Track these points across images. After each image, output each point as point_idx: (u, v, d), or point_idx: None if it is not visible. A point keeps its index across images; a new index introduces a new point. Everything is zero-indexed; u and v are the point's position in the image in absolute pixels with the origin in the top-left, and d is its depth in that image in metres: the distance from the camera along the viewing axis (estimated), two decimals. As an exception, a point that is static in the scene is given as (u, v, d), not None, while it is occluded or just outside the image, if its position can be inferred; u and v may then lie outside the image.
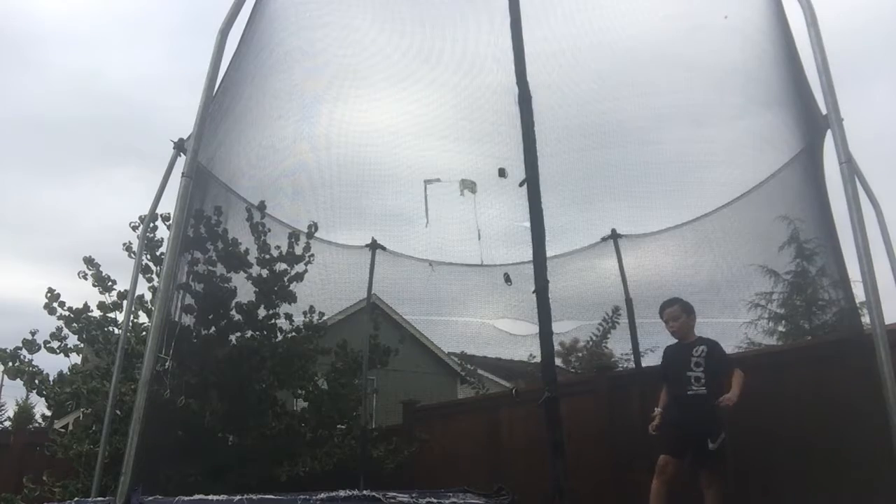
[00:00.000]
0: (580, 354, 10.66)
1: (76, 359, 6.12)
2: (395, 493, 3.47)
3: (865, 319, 3.89)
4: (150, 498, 3.18)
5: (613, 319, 6.95)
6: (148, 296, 5.92)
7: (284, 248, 6.08)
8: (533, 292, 3.63)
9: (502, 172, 4.59)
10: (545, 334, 3.55)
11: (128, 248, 5.88)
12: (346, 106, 5.25)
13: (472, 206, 5.24)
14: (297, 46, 4.68)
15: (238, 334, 5.75)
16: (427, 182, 5.28)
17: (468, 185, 5.14)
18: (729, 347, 5.93)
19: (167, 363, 3.95)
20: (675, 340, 4.81)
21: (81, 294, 6.06)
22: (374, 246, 7.08)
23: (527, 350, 6.73)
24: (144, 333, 5.61)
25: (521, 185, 3.77)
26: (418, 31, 4.82)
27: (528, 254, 3.75)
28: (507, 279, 6.00)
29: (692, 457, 4.38)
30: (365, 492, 3.46)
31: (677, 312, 4.76)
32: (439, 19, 4.78)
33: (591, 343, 7.55)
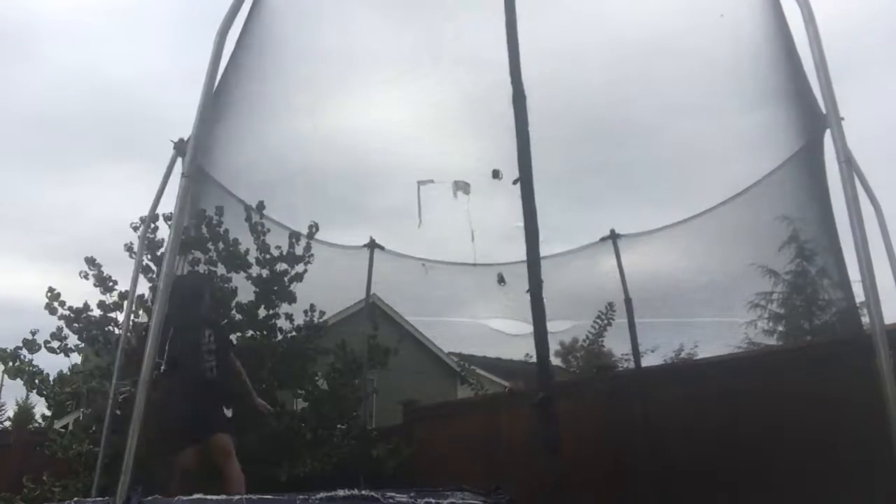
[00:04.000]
0: (579, 354, 10.63)
1: (76, 359, 6.11)
2: (393, 493, 3.46)
3: (865, 319, 3.88)
4: (150, 498, 3.18)
5: (608, 316, 6.91)
6: (148, 296, 5.91)
7: (284, 249, 6.09)
8: (526, 291, 3.64)
9: (496, 174, 4.59)
10: (540, 334, 3.56)
11: (129, 248, 5.88)
12: (344, 104, 5.25)
13: (469, 206, 5.24)
14: (293, 45, 4.68)
15: (238, 334, 5.75)
16: (420, 183, 5.28)
17: (461, 187, 5.14)
18: (728, 347, 5.93)
19: (162, 367, 3.95)
20: None
21: (81, 291, 6.04)
22: (372, 245, 7.08)
23: (526, 349, 6.72)
24: (144, 333, 5.60)
25: (514, 182, 3.78)
26: (417, 29, 4.82)
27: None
28: (501, 279, 6.00)
29: None
30: (364, 492, 3.44)
31: None
32: (440, 17, 4.78)
33: (587, 341, 7.51)
